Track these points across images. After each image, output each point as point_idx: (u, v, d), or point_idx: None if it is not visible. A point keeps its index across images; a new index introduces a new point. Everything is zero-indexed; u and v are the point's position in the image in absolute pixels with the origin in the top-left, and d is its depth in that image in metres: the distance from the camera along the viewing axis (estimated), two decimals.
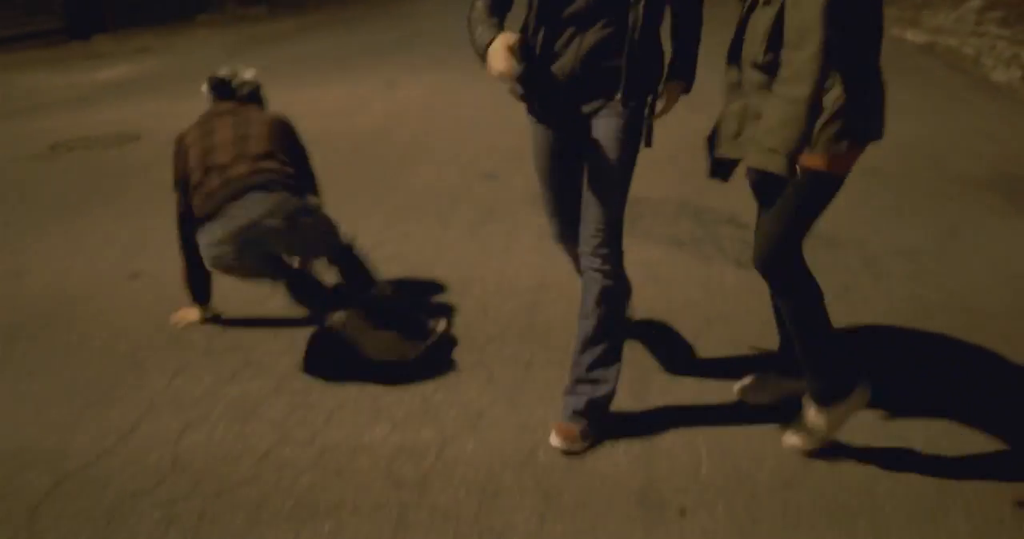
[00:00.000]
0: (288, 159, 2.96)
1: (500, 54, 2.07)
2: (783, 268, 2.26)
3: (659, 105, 2.44)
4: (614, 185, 2.34)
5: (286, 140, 3.04)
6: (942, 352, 3.03)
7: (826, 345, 2.33)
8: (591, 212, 2.35)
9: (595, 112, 2.34)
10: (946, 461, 2.40)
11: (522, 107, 2.54)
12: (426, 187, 4.99)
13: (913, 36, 10.77)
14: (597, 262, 2.37)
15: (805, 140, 1.96)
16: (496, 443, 2.52)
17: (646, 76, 2.33)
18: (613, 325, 2.43)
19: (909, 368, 2.91)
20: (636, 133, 2.35)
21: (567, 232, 2.63)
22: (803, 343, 2.31)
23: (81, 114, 7.40)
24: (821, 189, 2.18)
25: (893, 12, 11.98)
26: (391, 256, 3.92)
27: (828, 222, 2.60)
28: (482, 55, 2.16)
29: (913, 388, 2.76)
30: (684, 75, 2.49)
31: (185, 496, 2.32)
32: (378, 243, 4.06)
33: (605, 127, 2.32)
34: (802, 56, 1.90)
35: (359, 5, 16.78)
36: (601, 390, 2.46)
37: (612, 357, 2.46)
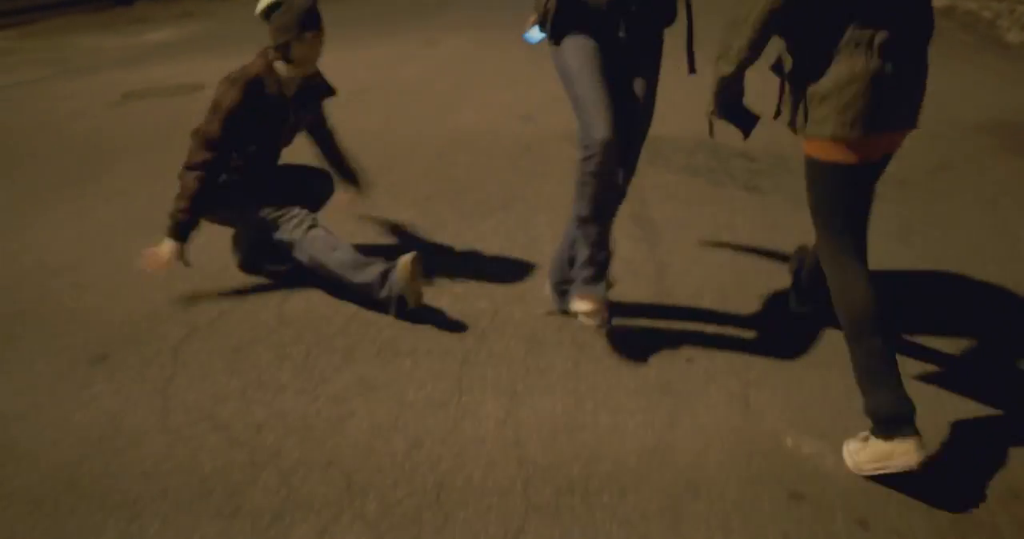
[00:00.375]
0: None
1: None
2: (828, 266, 2.20)
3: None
4: (653, 103, 2.71)
5: None
6: (920, 272, 3.57)
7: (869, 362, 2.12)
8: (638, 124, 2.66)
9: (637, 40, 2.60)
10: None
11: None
12: (468, 126, 5.56)
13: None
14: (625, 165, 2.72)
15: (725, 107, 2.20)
16: (538, 312, 3.11)
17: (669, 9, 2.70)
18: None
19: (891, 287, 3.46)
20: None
21: (615, 127, 2.52)
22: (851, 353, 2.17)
23: (143, 69, 8.03)
24: (816, 177, 2.15)
25: None
26: (440, 179, 4.51)
27: None
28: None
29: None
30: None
31: (292, 342, 2.94)
32: (427, 170, 4.65)
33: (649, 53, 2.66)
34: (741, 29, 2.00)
35: None
36: (602, 256, 2.75)
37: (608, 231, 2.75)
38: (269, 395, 2.65)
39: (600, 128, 2.47)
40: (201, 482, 2.24)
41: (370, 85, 6.70)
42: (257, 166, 3.22)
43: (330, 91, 3.39)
